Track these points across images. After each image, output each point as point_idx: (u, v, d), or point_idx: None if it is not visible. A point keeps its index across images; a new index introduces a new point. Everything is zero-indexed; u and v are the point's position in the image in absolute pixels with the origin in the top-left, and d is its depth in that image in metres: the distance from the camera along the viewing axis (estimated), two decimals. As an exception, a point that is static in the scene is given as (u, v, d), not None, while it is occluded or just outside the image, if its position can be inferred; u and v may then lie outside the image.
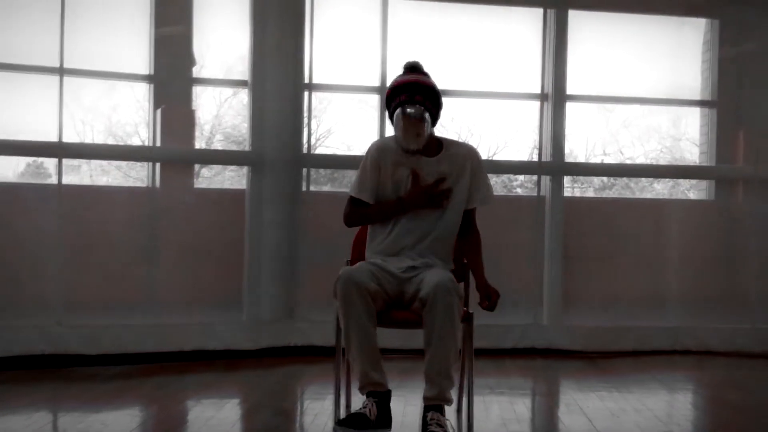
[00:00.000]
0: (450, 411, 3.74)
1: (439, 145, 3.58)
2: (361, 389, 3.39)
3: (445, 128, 6.06)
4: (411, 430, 3.49)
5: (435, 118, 3.52)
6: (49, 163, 5.68)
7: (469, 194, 3.58)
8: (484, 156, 5.85)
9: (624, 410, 3.95)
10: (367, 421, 3.27)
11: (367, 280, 3.34)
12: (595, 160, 6.69)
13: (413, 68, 3.58)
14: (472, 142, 7.43)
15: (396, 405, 3.93)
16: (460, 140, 3.75)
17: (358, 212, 3.60)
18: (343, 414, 3.51)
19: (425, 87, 3.47)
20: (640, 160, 6.39)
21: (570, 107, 5.63)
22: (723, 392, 4.59)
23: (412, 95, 3.44)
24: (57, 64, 4.97)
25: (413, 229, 3.53)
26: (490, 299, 3.39)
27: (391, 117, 3.52)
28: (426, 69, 3.62)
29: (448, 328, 3.27)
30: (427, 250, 3.52)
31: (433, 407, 3.32)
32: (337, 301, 3.33)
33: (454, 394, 3.47)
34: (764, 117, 5.81)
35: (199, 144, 5.95)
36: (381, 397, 3.36)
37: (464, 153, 3.59)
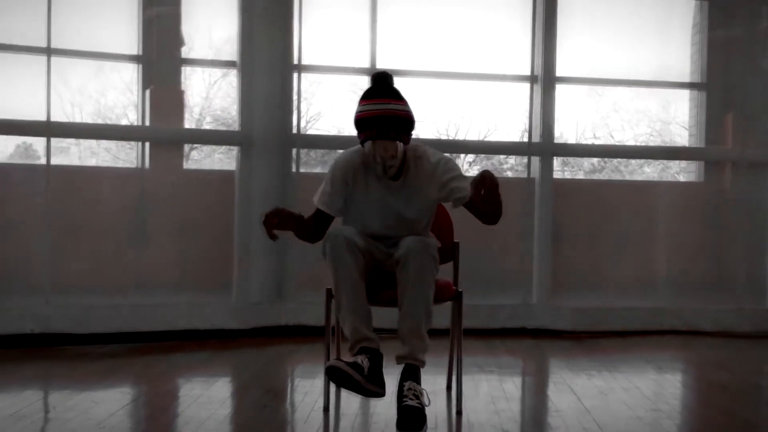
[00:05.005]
0: (439, 389, 3.78)
1: (403, 159, 3.41)
2: (353, 347, 3.25)
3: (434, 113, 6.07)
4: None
5: (407, 140, 3.39)
6: (39, 145, 5.65)
7: (450, 190, 3.45)
8: (475, 138, 5.76)
9: (612, 389, 3.98)
10: (360, 369, 3.13)
11: (356, 237, 3.29)
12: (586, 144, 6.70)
13: (382, 80, 3.37)
14: (463, 126, 7.42)
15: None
16: (419, 148, 3.50)
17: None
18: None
19: (398, 120, 3.30)
20: (630, 143, 6.40)
21: (560, 90, 5.63)
22: (710, 371, 4.62)
23: (385, 131, 3.28)
24: (44, 44, 4.94)
25: (384, 218, 3.44)
26: (484, 184, 3.20)
27: (360, 141, 3.37)
28: (396, 83, 3.40)
29: (420, 287, 3.22)
30: (402, 233, 3.44)
31: (408, 374, 3.23)
32: (327, 260, 3.26)
33: (440, 367, 3.42)
34: (753, 99, 5.83)
35: (189, 126, 5.93)
36: (373, 355, 3.22)
37: (424, 168, 3.43)
